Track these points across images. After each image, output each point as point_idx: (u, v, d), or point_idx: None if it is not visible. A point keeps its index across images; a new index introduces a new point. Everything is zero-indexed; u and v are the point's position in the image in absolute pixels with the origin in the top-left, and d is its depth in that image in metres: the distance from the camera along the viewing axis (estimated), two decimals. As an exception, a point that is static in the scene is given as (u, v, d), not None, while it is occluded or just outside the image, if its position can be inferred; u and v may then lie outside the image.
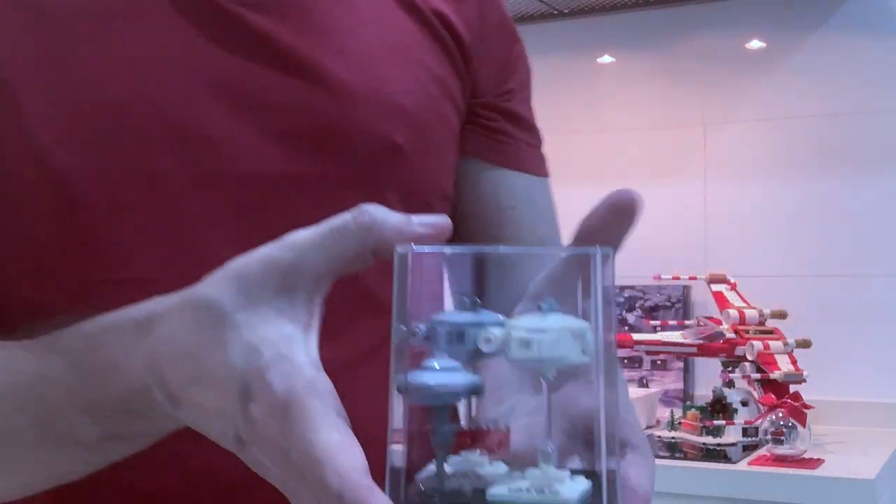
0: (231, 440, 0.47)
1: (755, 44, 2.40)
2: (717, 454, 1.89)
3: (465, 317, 0.45)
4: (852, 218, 2.29)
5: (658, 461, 1.87)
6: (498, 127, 0.81)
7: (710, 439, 1.91)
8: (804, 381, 2.01)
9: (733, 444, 1.91)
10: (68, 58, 0.63)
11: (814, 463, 1.81)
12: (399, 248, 0.45)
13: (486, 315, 0.45)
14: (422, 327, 0.45)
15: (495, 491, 0.43)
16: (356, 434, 0.44)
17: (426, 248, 0.46)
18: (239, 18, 0.67)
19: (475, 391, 0.44)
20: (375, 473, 0.43)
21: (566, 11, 2.53)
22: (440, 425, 0.44)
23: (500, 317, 0.45)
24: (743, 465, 1.82)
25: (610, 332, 0.44)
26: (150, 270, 0.64)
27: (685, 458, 1.90)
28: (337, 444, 0.42)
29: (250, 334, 0.46)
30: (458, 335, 0.44)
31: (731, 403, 2.00)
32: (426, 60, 0.75)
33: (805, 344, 2.09)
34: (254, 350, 0.45)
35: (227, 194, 0.65)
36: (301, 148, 0.67)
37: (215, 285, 0.48)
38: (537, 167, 0.85)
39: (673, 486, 1.82)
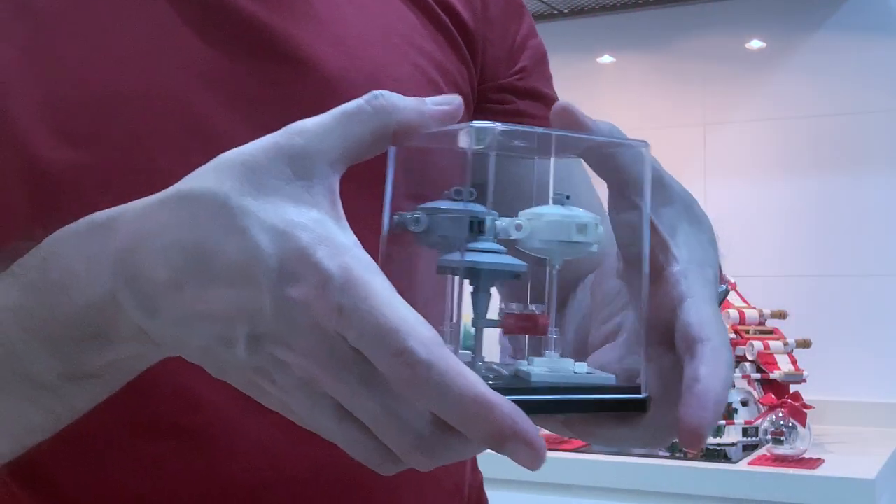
0: (240, 341, 0.42)
1: (755, 44, 2.40)
2: (717, 454, 1.89)
3: (472, 207, 0.45)
4: (852, 218, 2.29)
5: (658, 461, 1.87)
6: (513, 109, 0.79)
7: (709, 439, 1.91)
8: (804, 381, 2.01)
9: (733, 444, 1.91)
10: (57, 51, 0.61)
11: (814, 463, 1.81)
12: (476, 124, 0.44)
13: (480, 207, 0.46)
14: (421, 216, 0.45)
15: (538, 371, 0.44)
16: None
17: (502, 126, 0.45)
18: (232, 7, 0.65)
19: (523, 273, 0.45)
20: None
21: (566, 11, 2.53)
22: (483, 306, 0.45)
23: (493, 210, 0.46)
24: (743, 465, 1.82)
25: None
26: None
27: (685, 457, 1.90)
28: (414, 317, 0.39)
29: (274, 219, 0.41)
30: (479, 223, 0.45)
31: (731, 403, 2.00)
32: (426, 46, 0.72)
33: (805, 344, 2.09)
34: (283, 234, 0.41)
35: None
36: None
37: (210, 176, 0.43)
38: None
39: (673, 486, 1.82)
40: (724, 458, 1.87)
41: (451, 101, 0.46)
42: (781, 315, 2.13)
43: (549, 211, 0.45)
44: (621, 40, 2.53)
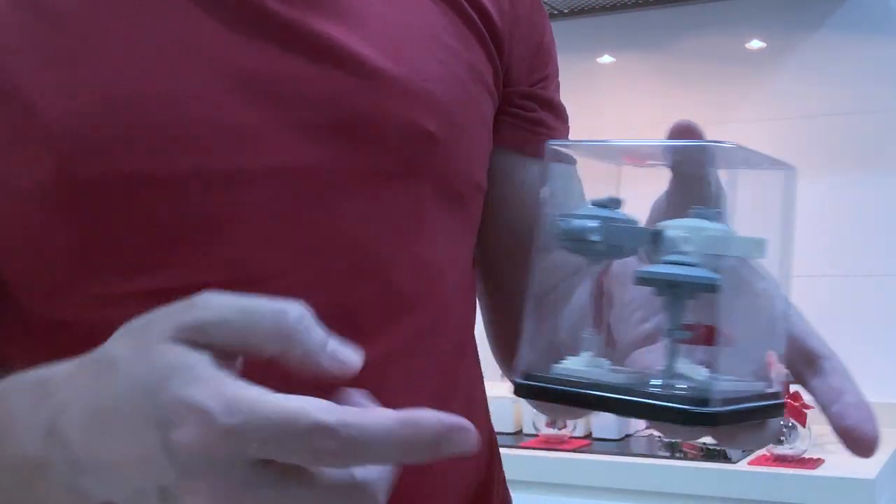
0: (152, 495, 0.43)
1: (755, 44, 2.40)
2: (717, 454, 1.89)
3: (622, 215, 0.46)
4: (852, 218, 2.29)
5: (658, 461, 1.87)
6: (536, 118, 0.78)
7: (710, 439, 1.91)
8: (804, 381, 2.01)
9: (733, 444, 1.90)
10: (78, 56, 0.60)
11: (814, 463, 1.81)
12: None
13: (629, 216, 0.46)
14: (600, 225, 0.45)
15: (725, 387, 0.45)
16: None
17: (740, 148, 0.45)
18: (261, 5, 0.63)
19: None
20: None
21: (566, 11, 2.53)
22: (679, 318, 0.45)
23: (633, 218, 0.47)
24: (743, 465, 1.82)
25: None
26: (177, 279, 0.60)
27: (685, 457, 1.90)
28: (301, 399, 0.40)
29: (150, 375, 0.43)
30: (658, 235, 0.45)
31: (731, 403, 2.00)
32: (456, 45, 0.71)
33: (805, 344, 2.09)
34: (157, 387, 0.42)
35: (257, 193, 0.62)
36: (332, 139, 0.64)
37: (113, 340, 0.47)
38: (571, 156, 0.83)
39: (673, 486, 1.82)
40: (724, 458, 1.87)
41: (346, 364, 0.45)
42: (781, 315, 2.13)
43: (711, 226, 0.45)
44: (621, 40, 2.53)
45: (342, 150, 0.64)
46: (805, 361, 0.48)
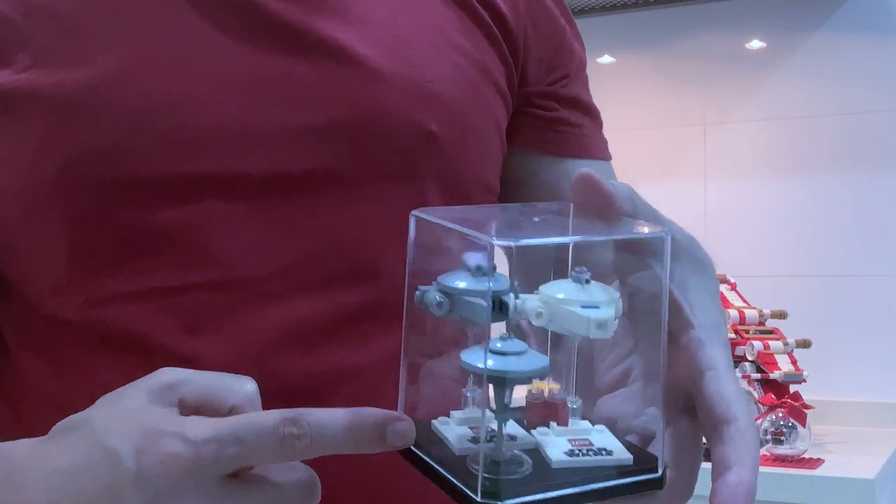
0: None
1: (755, 44, 2.40)
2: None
3: (496, 279, 0.45)
4: (852, 218, 2.29)
5: (658, 461, 1.87)
6: (557, 117, 0.78)
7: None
8: (804, 381, 2.01)
9: (733, 444, 1.90)
10: (83, 61, 0.60)
11: (814, 463, 1.81)
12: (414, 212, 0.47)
13: (503, 281, 0.45)
14: (444, 301, 0.45)
15: (558, 457, 0.44)
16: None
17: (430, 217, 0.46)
18: (263, 9, 0.63)
19: (545, 374, 0.45)
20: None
21: (566, 11, 2.53)
22: (501, 404, 0.44)
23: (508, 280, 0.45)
24: (743, 465, 1.82)
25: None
26: (175, 279, 0.61)
27: (685, 458, 1.90)
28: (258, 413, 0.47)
29: (123, 419, 0.47)
30: (501, 305, 0.44)
31: (731, 403, 2.00)
32: (465, 44, 0.70)
33: (805, 344, 2.09)
34: (134, 424, 0.46)
35: (258, 195, 0.62)
36: (334, 141, 0.64)
37: (86, 410, 0.49)
38: (601, 151, 0.82)
39: (673, 486, 1.82)
40: (724, 458, 1.87)
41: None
42: (781, 315, 2.13)
43: (569, 296, 0.44)
44: (621, 40, 2.53)
45: (344, 152, 0.64)
46: (711, 426, 0.45)
